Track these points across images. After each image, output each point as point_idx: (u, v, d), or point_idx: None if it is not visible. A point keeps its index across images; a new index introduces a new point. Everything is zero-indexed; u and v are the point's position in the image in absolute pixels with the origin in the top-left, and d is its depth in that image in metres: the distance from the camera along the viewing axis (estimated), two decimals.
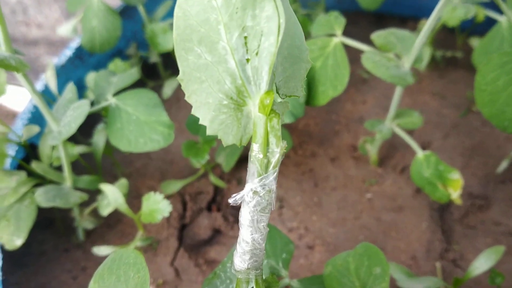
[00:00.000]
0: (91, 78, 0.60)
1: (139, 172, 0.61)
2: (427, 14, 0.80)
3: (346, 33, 0.79)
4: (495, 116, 0.40)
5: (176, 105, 0.68)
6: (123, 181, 0.53)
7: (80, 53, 0.68)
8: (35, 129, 0.53)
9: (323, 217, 0.55)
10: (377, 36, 0.47)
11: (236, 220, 0.57)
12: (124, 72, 0.62)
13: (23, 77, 0.41)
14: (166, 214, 0.46)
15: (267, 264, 0.39)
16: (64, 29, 0.67)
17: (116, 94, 0.49)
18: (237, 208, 0.58)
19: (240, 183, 0.59)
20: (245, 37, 0.20)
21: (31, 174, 0.51)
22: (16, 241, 0.47)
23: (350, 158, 0.60)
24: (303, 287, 0.38)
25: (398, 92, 0.49)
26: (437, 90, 0.68)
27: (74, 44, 0.66)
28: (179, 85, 0.68)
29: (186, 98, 0.22)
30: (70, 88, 0.47)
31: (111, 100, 0.47)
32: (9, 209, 0.48)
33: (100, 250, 0.50)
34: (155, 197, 0.47)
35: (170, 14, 0.69)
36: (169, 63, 0.74)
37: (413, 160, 0.50)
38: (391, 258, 0.51)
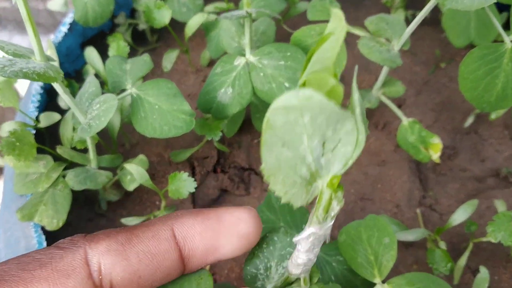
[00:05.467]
0: (91, 54, 0.62)
1: (145, 140, 0.66)
2: None
3: None
4: (475, 99, 0.47)
5: (175, 78, 0.72)
6: (141, 157, 0.58)
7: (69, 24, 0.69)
8: (56, 117, 0.56)
9: None
10: (370, 22, 0.52)
11: (241, 181, 0.63)
12: (122, 45, 0.65)
13: (59, 84, 0.44)
14: (192, 190, 0.52)
15: (289, 234, 0.45)
16: (55, 4, 0.67)
17: (134, 83, 0.53)
18: (239, 169, 0.65)
19: (240, 147, 0.65)
20: (324, 142, 0.24)
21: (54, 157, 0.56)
22: (56, 223, 0.52)
23: None
24: (323, 253, 0.46)
25: (385, 69, 0.55)
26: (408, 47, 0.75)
27: (68, 19, 0.67)
28: (177, 57, 0.71)
29: (265, 179, 0.26)
30: (93, 82, 0.50)
31: (131, 90, 0.51)
32: (44, 194, 0.52)
33: (129, 220, 0.56)
34: (180, 175, 0.52)
35: None
36: (156, 29, 0.76)
37: (399, 127, 0.58)
38: (379, 208, 0.60)
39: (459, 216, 0.51)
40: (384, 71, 0.56)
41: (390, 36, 0.52)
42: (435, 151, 0.55)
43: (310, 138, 0.23)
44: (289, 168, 0.24)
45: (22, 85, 0.85)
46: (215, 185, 0.63)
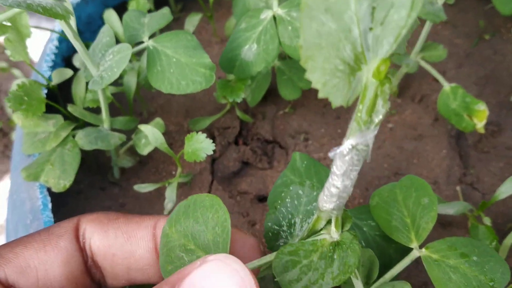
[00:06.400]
0: (110, 16, 0.59)
1: (164, 109, 0.62)
2: None
3: None
4: None
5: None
6: (158, 120, 0.54)
7: None
8: (68, 72, 0.53)
9: None
10: None
11: (264, 154, 0.59)
12: (142, 2, 0.61)
13: (65, 23, 0.41)
14: (210, 152, 0.48)
15: (315, 187, 0.39)
16: None
17: (151, 36, 0.49)
18: (262, 141, 0.60)
19: (265, 118, 0.61)
20: (373, 7, 0.20)
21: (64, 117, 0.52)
22: (63, 184, 0.48)
23: None
24: (353, 217, 0.41)
25: (426, 27, 0.50)
26: (449, 19, 0.70)
27: None
28: (202, 27, 0.68)
29: (301, 63, 0.22)
30: (107, 32, 0.47)
31: (148, 43, 0.47)
32: (51, 153, 0.49)
33: (142, 187, 0.52)
34: (197, 136, 0.48)
35: None
36: None
37: (440, 92, 0.53)
38: None
39: (507, 189, 0.46)
40: (425, 30, 0.51)
41: None
42: (480, 119, 0.50)
43: (359, 0, 0.18)
44: (331, 46, 0.20)
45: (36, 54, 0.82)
46: (236, 157, 0.59)
